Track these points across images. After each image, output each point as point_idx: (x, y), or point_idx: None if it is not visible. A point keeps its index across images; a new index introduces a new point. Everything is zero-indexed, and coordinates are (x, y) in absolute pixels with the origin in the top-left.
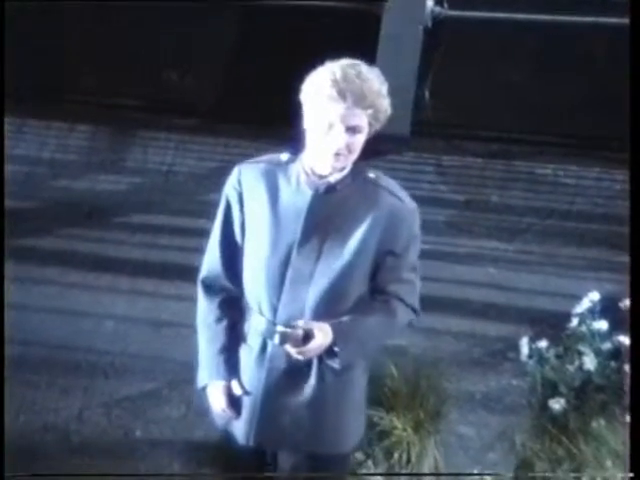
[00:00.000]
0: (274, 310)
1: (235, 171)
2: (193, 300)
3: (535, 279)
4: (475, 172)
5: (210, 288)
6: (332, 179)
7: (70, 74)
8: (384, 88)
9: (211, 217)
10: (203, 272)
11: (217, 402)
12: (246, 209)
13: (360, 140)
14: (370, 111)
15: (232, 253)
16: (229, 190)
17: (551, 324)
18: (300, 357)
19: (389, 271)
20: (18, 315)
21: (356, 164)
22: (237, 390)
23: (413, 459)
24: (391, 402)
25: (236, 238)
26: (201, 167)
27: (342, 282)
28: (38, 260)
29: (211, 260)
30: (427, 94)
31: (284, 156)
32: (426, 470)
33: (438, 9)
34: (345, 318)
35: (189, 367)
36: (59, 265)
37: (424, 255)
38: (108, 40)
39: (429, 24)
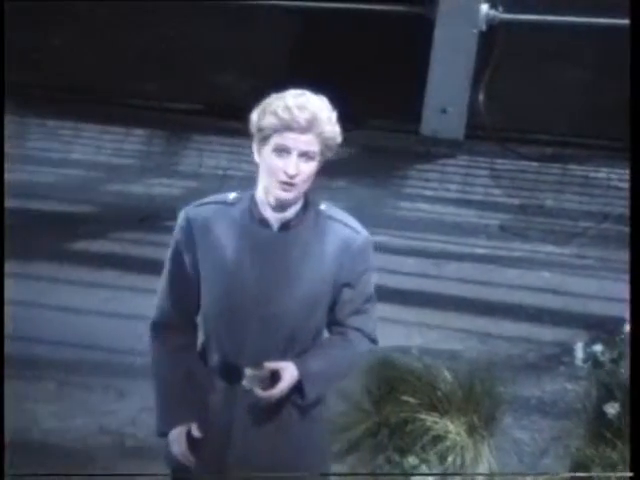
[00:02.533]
0: (239, 351)
1: (182, 214)
2: None
3: (590, 283)
4: (530, 176)
5: (162, 333)
6: (287, 215)
7: (127, 78)
8: (333, 116)
9: None
10: (156, 316)
11: (178, 447)
12: (198, 251)
13: (312, 167)
14: (321, 137)
15: (185, 297)
16: (178, 234)
17: (606, 328)
18: (268, 398)
19: (346, 303)
20: (74, 319)
21: (307, 196)
22: (196, 433)
23: (467, 463)
24: (445, 406)
25: (189, 282)
26: (256, 171)
27: (304, 319)
28: (93, 264)
29: (164, 303)
30: (481, 98)
31: (232, 195)
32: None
33: (493, 12)
34: (309, 355)
35: None
36: (114, 269)
37: (478, 259)
38: (164, 44)
39: (483, 28)
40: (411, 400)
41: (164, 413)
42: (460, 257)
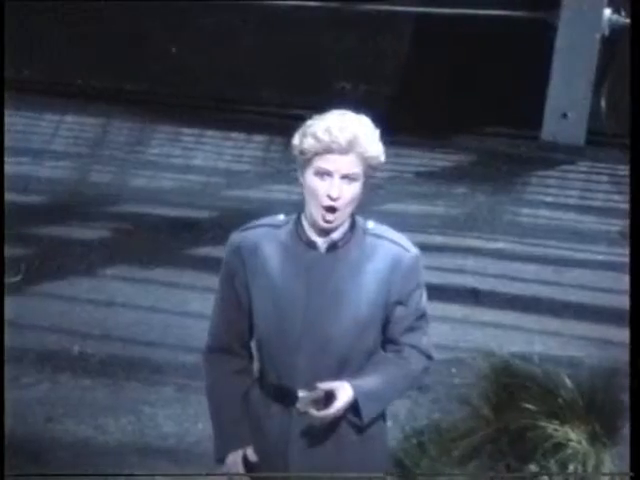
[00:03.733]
0: (292, 374)
1: (232, 238)
2: None
3: None
4: None
5: (217, 358)
6: (335, 236)
7: (248, 85)
8: (375, 134)
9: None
10: (210, 342)
11: (234, 471)
12: (249, 275)
13: (356, 189)
14: (363, 157)
15: (238, 321)
16: (230, 258)
17: None
18: (323, 418)
19: (399, 321)
20: (194, 323)
21: (354, 216)
22: (253, 458)
23: (589, 471)
24: (566, 414)
25: (241, 306)
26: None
27: (357, 339)
28: (213, 269)
29: (218, 329)
30: (603, 103)
31: (280, 217)
32: None
33: (615, 17)
34: (364, 374)
35: None
36: None
37: (599, 265)
38: (280, 51)
39: (606, 33)
40: (531, 407)
41: (221, 438)
42: (580, 264)
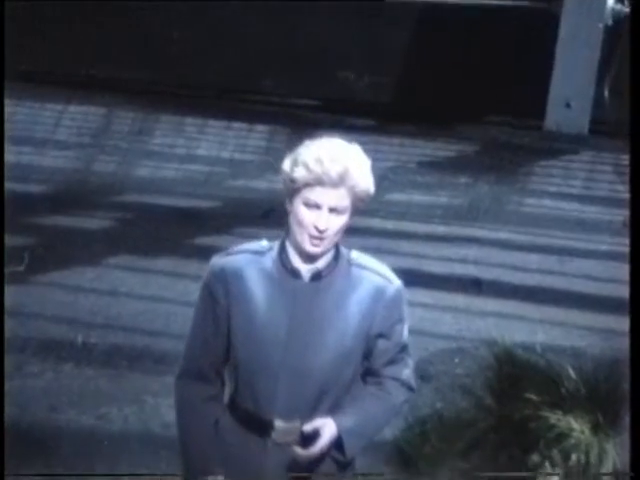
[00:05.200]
0: (270, 403)
1: (214, 263)
2: None
3: None
4: None
5: (189, 383)
6: (319, 265)
7: (249, 75)
8: (366, 166)
9: (386, 217)
10: (184, 366)
11: None
12: (232, 301)
13: (343, 221)
14: (353, 191)
15: (215, 346)
16: (212, 282)
17: None
18: (308, 457)
19: (381, 354)
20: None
21: (338, 246)
22: None
23: (592, 461)
24: (569, 404)
25: (220, 331)
26: (377, 167)
27: (337, 370)
28: None
29: (192, 353)
30: (606, 93)
31: (264, 243)
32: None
33: (619, 6)
34: (346, 410)
35: None
36: None
37: (602, 255)
38: (284, 41)
39: (609, 22)
40: (534, 397)
41: (192, 465)
42: (584, 253)
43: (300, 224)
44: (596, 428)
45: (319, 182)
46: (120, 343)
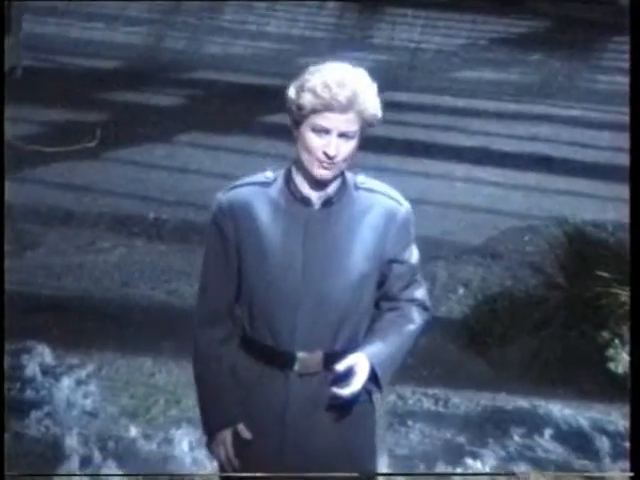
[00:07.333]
0: (290, 335)
1: (219, 199)
2: (442, 178)
3: None
4: None
5: (205, 329)
6: (329, 190)
7: None
8: (373, 90)
9: (456, 94)
10: (199, 314)
11: (222, 452)
12: (243, 235)
13: (352, 146)
14: (362, 115)
15: (227, 285)
16: (219, 219)
17: None
18: (349, 396)
19: (396, 279)
20: None
21: (343, 172)
22: (245, 434)
23: None
24: None
25: (231, 268)
26: (449, 44)
27: (355, 294)
28: (287, 137)
29: (206, 298)
30: None
31: (269, 174)
32: None
33: None
34: (374, 341)
35: None
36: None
37: None
38: None
39: None
40: (605, 274)
41: (209, 415)
42: None
43: (309, 151)
44: None
45: (328, 107)
46: (191, 219)
